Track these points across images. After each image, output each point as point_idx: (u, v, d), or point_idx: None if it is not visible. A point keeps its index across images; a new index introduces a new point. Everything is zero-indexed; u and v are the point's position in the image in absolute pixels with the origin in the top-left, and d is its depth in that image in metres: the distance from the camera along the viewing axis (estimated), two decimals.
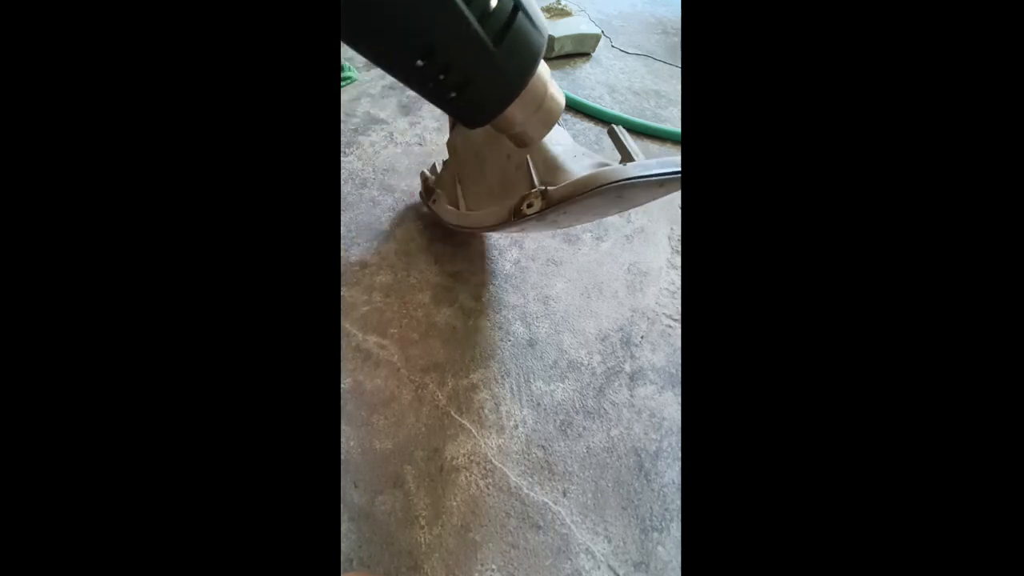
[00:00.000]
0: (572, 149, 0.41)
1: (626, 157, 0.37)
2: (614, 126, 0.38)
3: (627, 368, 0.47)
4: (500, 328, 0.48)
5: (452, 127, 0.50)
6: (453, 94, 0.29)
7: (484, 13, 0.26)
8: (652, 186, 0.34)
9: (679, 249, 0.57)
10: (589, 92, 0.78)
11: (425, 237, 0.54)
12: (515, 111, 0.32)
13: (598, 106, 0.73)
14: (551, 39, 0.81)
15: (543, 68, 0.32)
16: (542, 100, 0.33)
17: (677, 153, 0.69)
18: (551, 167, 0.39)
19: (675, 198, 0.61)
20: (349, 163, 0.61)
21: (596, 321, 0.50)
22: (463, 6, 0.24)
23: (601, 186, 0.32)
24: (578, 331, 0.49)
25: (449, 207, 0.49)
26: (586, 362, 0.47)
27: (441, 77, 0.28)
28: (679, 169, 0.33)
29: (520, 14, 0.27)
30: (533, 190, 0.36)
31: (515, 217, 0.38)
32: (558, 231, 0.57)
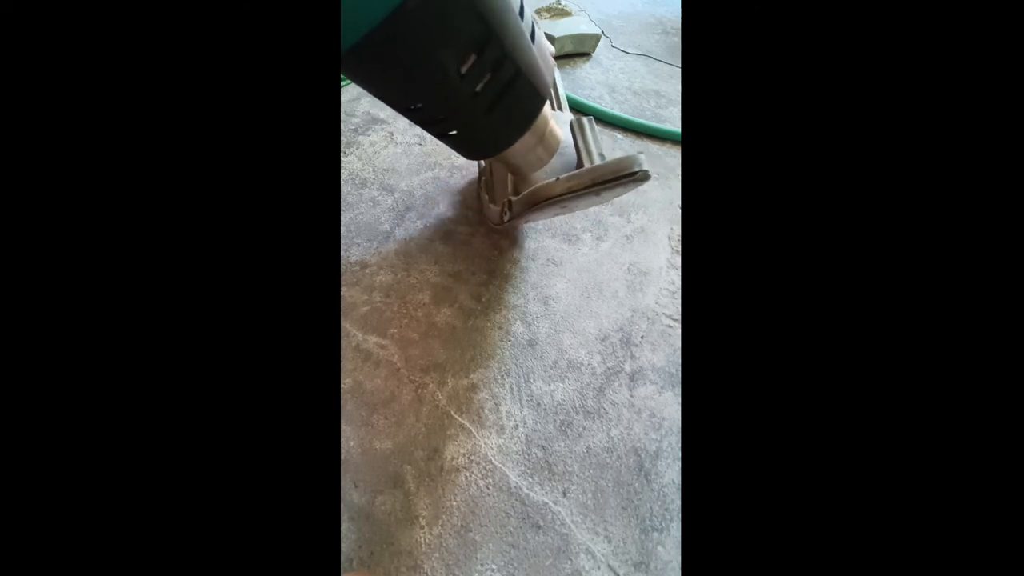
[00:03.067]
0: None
1: (579, 161, 0.37)
2: (574, 120, 0.38)
3: (627, 368, 0.47)
4: (500, 328, 0.48)
5: None
6: (453, 132, 0.30)
7: (475, 89, 0.25)
8: (588, 196, 0.35)
9: (679, 249, 0.57)
10: (589, 92, 0.78)
11: (425, 237, 0.54)
12: (510, 153, 0.33)
13: (598, 106, 0.73)
14: (551, 39, 0.81)
15: (544, 108, 0.32)
16: (541, 136, 0.34)
17: (677, 152, 0.69)
18: (520, 175, 0.41)
19: (675, 198, 0.61)
20: (349, 163, 0.61)
21: (596, 321, 0.50)
22: (457, 79, 0.24)
23: (540, 202, 0.34)
24: (578, 331, 0.49)
25: (484, 195, 0.50)
26: (586, 362, 0.47)
27: (440, 118, 0.28)
28: (613, 176, 0.33)
29: (520, 80, 0.27)
30: (505, 199, 0.39)
31: (502, 221, 0.40)
32: (557, 231, 0.57)
